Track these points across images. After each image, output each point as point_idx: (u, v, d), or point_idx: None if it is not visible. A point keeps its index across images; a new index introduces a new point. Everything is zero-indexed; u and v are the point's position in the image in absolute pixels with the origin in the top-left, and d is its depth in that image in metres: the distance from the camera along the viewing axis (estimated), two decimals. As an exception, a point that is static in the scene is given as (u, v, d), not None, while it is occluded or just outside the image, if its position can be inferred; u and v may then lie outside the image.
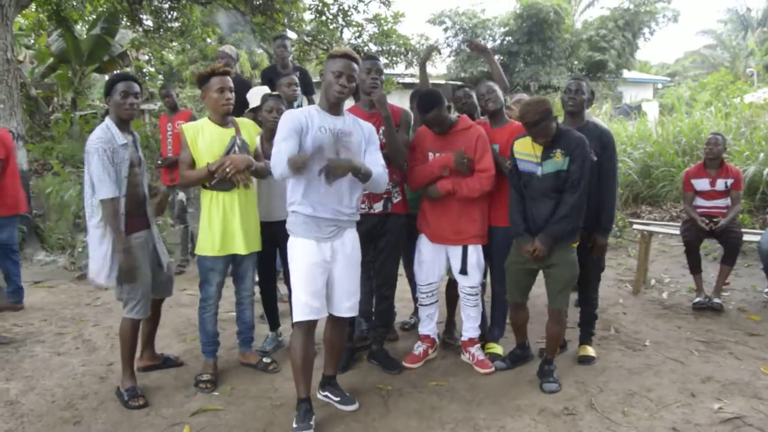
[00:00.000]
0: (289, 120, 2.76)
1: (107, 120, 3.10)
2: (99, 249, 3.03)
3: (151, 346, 3.59)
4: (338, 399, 3.11)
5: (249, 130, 3.41)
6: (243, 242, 3.29)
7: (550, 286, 3.29)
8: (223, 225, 3.25)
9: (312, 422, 2.82)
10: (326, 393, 3.15)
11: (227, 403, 3.15)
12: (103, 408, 3.10)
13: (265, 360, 3.60)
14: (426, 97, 3.35)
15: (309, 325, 2.84)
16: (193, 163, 3.23)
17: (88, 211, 3.05)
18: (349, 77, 2.78)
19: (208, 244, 3.26)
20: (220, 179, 3.16)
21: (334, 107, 2.85)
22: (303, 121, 2.76)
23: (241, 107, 3.87)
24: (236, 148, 3.24)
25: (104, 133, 3.00)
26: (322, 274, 2.83)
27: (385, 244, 3.46)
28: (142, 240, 3.17)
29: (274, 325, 3.94)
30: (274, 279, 3.87)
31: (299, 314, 2.81)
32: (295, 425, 2.81)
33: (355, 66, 2.80)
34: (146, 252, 3.19)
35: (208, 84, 3.22)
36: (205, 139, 3.22)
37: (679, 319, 4.52)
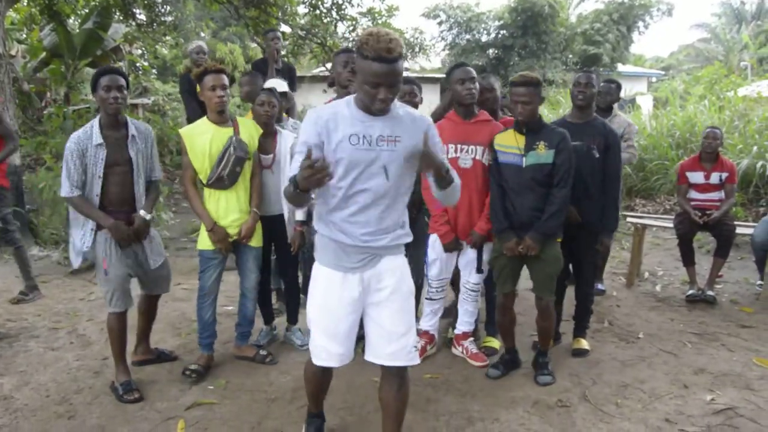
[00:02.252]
0: (306, 124, 2.15)
1: (95, 118, 3.12)
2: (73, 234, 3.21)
3: (145, 340, 3.59)
4: None
5: (250, 130, 3.42)
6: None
7: (536, 278, 3.31)
8: (218, 221, 3.34)
9: None
10: None
11: (222, 397, 3.15)
12: (98, 402, 3.10)
13: (262, 352, 3.61)
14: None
15: (327, 369, 2.42)
16: (193, 167, 3.30)
17: None
18: (390, 86, 1.99)
19: (207, 240, 3.35)
20: (216, 180, 3.27)
21: None
22: (321, 128, 2.10)
23: None
24: (232, 149, 3.25)
25: (81, 134, 3.04)
26: (348, 315, 2.26)
27: None
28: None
29: (268, 319, 3.94)
30: (268, 272, 3.86)
31: (315, 358, 2.35)
32: None
33: (399, 68, 2.00)
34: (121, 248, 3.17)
35: (203, 83, 3.27)
36: (203, 140, 3.26)
37: (673, 312, 4.55)
